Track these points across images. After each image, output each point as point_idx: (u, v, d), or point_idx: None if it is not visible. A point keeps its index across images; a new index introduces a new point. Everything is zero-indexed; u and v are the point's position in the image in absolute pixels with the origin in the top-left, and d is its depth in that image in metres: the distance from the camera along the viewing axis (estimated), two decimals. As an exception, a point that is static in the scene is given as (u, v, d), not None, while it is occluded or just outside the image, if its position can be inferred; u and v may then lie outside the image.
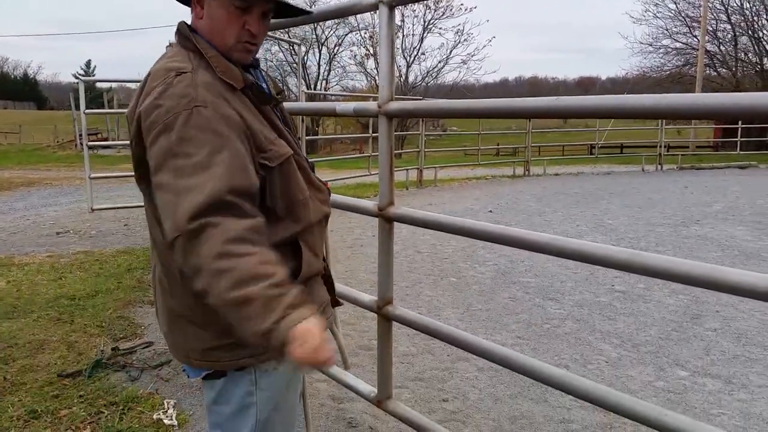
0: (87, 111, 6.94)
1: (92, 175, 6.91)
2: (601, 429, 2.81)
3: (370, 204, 2.17)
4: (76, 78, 8.30)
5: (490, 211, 9.18)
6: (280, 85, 2.04)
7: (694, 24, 28.04)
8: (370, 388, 2.27)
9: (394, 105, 1.96)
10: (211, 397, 1.48)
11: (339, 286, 2.30)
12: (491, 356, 1.82)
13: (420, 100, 13.29)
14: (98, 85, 38.40)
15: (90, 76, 69.77)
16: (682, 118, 1.33)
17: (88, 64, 72.93)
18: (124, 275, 5.27)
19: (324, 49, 32.53)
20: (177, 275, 1.41)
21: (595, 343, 3.87)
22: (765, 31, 27.59)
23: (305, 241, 1.48)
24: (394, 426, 2.78)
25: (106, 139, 22.92)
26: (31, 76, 74.13)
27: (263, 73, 1.59)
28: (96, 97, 35.84)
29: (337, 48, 32.41)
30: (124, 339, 3.82)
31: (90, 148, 7.22)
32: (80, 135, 25.28)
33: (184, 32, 1.44)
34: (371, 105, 2.05)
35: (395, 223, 2.09)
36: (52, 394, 3.00)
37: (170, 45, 1.47)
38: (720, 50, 29.04)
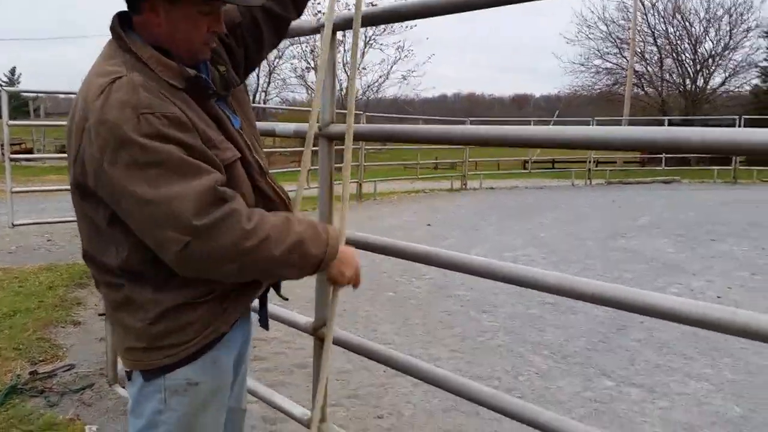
0: (10, 122, 6.60)
1: (14, 189, 6.56)
2: (531, 441, 2.87)
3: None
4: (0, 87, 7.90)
5: (429, 225, 9.28)
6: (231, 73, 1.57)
7: (623, 45, 29.47)
8: (303, 411, 2.23)
9: (336, 128, 1.98)
10: (129, 405, 1.50)
11: (274, 307, 2.26)
12: (426, 377, 1.83)
13: (360, 114, 13.34)
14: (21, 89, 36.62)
15: (15, 83, 66.36)
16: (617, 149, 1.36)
17: (12, 71, 69.40)
18: (45, 293, 5.01)
19: (264, 61, 32.20)
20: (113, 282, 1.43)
21: (526, 355, 3.96)
22: (687, 55, 29.30)
23: None
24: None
25: (30, 150, 21.89)
26: (-50, 82, 70.02)
27: (208, 65, 1.51)
28: (21, 105, 34.23)
29: (277, 60, 32.09)
30: (43, 362, 3.62)
31: (12, 160, 6.83)
32: (1, 146, 24.04)
33: (117, 31, 1.36)
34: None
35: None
36: (-39, 423, 2.81)
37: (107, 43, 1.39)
38: (647, 71, 30.60)
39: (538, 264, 6.57)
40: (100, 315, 3.70)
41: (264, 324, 1.72)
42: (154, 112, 1.24)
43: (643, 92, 30.94)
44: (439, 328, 4.53)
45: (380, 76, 32.12)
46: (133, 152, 1.21)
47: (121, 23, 1.38)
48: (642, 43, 29.40)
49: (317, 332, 2.11)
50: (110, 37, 1.39)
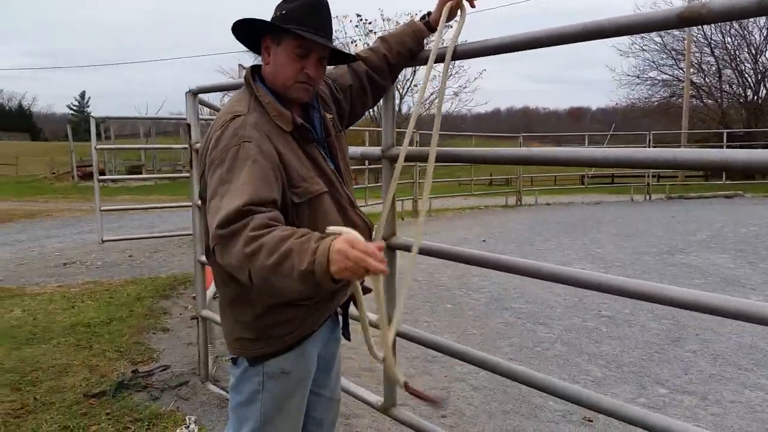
0: (98, 146, 7.23)
1: (103, 207, 7.15)
2: (586, 440, 3.08)
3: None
4: (87, 115, 8.61)
5: (483, 241, 9.49)
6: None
7: (679, 57, 28.84)
8: (376, 398, 2.54)
9: (396, 150, 2.29)
10: (231, 383, 1.84)
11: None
12: (491, 367, 2.11)
13: (414, 132, 13.72)
14: (92, 114, 38.61)
15: (84, 107, 70.13)
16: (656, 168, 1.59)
17: (82, 95, 73.41)
18: (134, 304, 5.51)
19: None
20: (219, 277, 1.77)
21: (582, 364, 4.15)
22: (747, 65, 28.45)
23: None
24: (398, 439, 3.04)
25: (103, 171, 23.22)
26: (26, 108, 74.32)
27: (320, 113, 1.85)
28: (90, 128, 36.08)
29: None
30: (141, 363, 4.06)
31: (91, 179, 7.33)
32: (77, 167, 25.59)
33: (248, 80, 1.75)
34: (376, 150, 2.39)
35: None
36: (81, 412, 3.24)
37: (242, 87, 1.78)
38: (705, 82, 29.81)
39: (594, 278, 6.69)
40: (192, 318, 4.11)
41: (346, 335, 2.05)
42: (252, 142, 1.58)
43: (702, 104, 30.16)
44: (496, 338, 4.75)
45: (431, 93, 32.50)
46: (224, 170, 1.56)
47: (254, 70, 1.78)
48: (698, 54, 28.69)
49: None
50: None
